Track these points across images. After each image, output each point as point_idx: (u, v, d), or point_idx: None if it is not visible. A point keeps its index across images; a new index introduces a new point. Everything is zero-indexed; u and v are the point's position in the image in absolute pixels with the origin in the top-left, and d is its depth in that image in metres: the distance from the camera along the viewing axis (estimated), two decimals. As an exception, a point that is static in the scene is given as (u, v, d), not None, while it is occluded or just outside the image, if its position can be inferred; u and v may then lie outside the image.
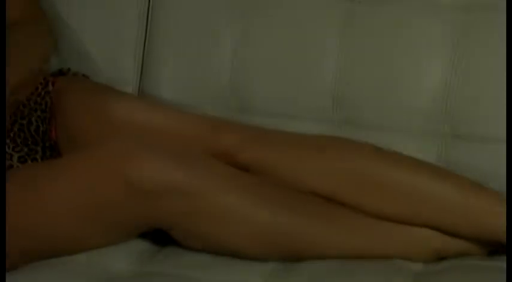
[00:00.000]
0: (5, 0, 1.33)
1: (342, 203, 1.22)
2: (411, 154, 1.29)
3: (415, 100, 1.37)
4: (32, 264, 1.15)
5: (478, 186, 1.23)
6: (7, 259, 1.16)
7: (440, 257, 1.22)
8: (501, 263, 1.15)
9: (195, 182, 1.11)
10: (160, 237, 1.21)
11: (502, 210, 1.17)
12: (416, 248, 1.21)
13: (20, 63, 1.36)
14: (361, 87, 1.39)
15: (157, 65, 1.48)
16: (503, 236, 1.15)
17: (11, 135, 1.31)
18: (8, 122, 1.32)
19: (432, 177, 1.21)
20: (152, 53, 1.49)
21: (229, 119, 1.41)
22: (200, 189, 1.11)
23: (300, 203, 1.17)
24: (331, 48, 1.40)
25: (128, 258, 1.18)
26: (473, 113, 1.36)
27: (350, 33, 1.40)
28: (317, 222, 1.16)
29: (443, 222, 1.18)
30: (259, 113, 1.43)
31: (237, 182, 1.16)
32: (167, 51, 1.48)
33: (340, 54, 1.40)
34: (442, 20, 1.38)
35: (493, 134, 1.34)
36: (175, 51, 1.48)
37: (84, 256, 1.16)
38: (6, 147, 1.29)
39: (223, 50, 1.45)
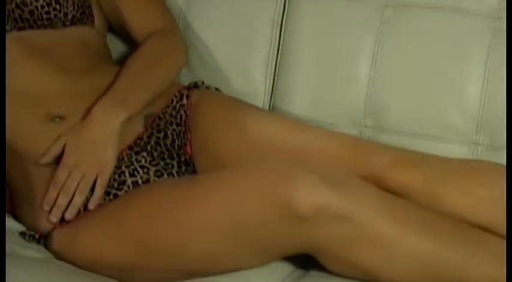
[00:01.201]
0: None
1: (493, 232, 1.16)
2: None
3: None
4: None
5: None
6: (146, 274, 1.14)
7: None
8: None
9: (349, 206, 1.06)
10: (302, 259, 1.17)
11: None
12: None
13: (158, 75, 1.34)
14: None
15: (290, 79, 1.44)
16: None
17: (148, 148, 1.29)
18: (144, 134, 1.31)
19: None
20: (285, 66, 1.44)
21: (364, 138, 1.36)
22: (355, 214, 1.06)
23: (459, 232, 1.11)
24: (475, 68, 1.35)
25: (272, 282, 1.14)
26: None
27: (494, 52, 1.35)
28: (475, 252, 1.10)
29: None
30: (396, 132, 1.37)
31: (392, 208, 1.09)
32: (300, 65, 1.43)
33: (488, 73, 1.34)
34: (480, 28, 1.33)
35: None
36: (309, 65, 1.43)
37: (228, 278, 1.13)
38: (143, 160, 1.27)
39: (359, 67, 1.39)
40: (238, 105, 1.36)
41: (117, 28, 1.50)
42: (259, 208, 1.07)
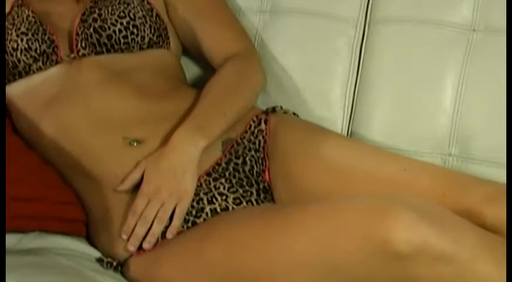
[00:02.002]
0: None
1: None
2: None
3: None
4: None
5: None
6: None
7: None
8: None
9: (449, 245, 1.00)
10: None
11: None
12: None
13: (237, 101, 1.32)
14: None
15: (369, 104, 1.40)
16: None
17: (226, 174, 1.26)
18: (222, 160, 1.28)
19: None
20: (364, 90, 1.40)
21: (448, 168, 1.31)
22: (455, 253, 1.00)
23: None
24: None
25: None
26: None
27: None
28: None
29: None
30: (484, 162, 1.31)
31: (492, 246, 1.03)
32: (380, 89, 1.39)
33: None
34: None
35: None
36: (390, 89, 1.39)
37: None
38: (222, 187, 1.24)
39: (443, 92, 1.35)
40: (318, 132, 1.32)
41: (192, 50, 1.48)
42: (354, 245, 1.02)
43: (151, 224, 1.18)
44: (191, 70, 1.52)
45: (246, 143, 1.30)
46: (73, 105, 1.29)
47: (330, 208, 1.07)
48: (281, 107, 1.38)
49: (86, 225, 1.26)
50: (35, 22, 1.36)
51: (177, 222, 1.18)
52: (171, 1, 1.43)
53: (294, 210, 1.11)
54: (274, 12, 1.46)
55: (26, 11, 1.38)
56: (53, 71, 1.35)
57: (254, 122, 1.33)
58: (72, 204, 1.23)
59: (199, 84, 1.51)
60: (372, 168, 1.22)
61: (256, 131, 1.32)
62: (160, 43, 1.39)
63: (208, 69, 1.47)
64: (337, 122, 1.42)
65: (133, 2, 1.38)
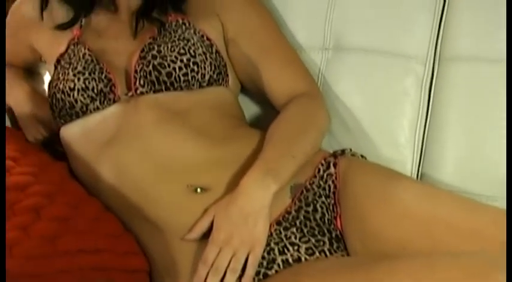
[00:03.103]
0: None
1: None
2: None
3: None
4: None
5: None
6: None
7: None
8: None
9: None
10: None
11: None
12: None
13: (305, 143, 1.25)
14: None
15: (440, 144, 1.34)
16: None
17: (297, 223, 1.19)
18: (292, 208, 1.21)
19: None
20: (434, 131, 1.34)
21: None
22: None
23: None
24: None
25: None
26: None
27: None
28: None
29: None
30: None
31: None
32: (451, 129, 1.33)
33: None
34: None
35: None
36: (461, 130, 1.32)
37: None
38: (293, 236, 1.17)
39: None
40: (391, 175, 1.25)
41: (251, 88, 1.42)
42: None
43: (224, 275, 1.12)
44: (248, 108, 1.46)
45: (316, 188, 1.24)
46: (132, 148, 1.24)
47: (420, 267, 0.99)
48: (350, 149, 1.32)
49: (150, 275, 1.20)
50: (92, 60, 1.31)
51: (251, 271, 1.12)
52: (232, 37, 1.38)
53: (383, 267, 1.03)
54: (337, 49, 1.41)
55: (82, 49, 1.33)
56: (111, 110, 1.29)
57: (322, 165, 1.26)
58: (136, 253, 1.17)
59: (257, 123, 1.47)
60: (454, 219, 1.15)
61: (325, 175, 1.25)
62: (220, 81, 1.34)
63: (266, 107, 1.42)
64: (407, 163, 1.36)
65: (193, 38, 1.32)
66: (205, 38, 1.34)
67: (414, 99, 1.35)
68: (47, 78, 1.60)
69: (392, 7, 1.37)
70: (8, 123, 1.50)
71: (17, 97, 1.48)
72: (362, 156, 1.33)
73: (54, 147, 1.42)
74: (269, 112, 1.39)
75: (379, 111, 1.37)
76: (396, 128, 1.36)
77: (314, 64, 1.42)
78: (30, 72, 1.58)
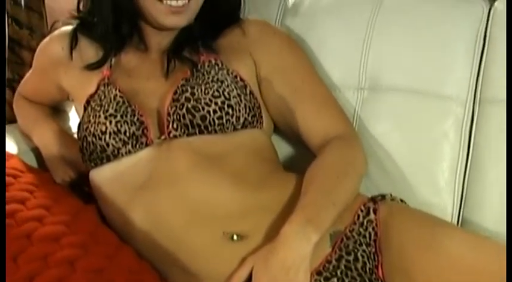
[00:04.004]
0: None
1: None
2: None
3: None
4: None
5: None
6: None
7: None
8: None
9: None
10: None
11: None
12: None
13: (345, 188, 1.21)
14: None
15: (481, 188, 1.30)
16: None
17: (338, 273, 1.15)
18: (332, 257, 1.18)
19: None
20: (475, 173, 1.31)
21: None
22: None
23: None
24: None
25: None
26: None
27: None
28: None
29: None
30: None
31: None
32: (493, 172, 1.29)
33: None
34: None
35: None
36: (503, 172, 1.28)
37: None
38: (335, 286, 1.14)
39: None
40: (435, 222, 1.20)
41: (285, 129, 1.38)
42: None
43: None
44: (280, 147, 1.42)
45: (356, 236, 1.20)
46: (165, 194, 1.20)
47: None
48: (391, 194, 1.28)
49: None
50: (123, 102, 1.28)
51: (291, 326, 1.08)
52: (265, 76, 1.35)
53: None
54: (374, 89, 1.37)
55: (113, 90, 1.30)
56: (143, 154, 1.26)
57: (362, 211, 1.22)
58: (172, 304, 1.13)
59: (289, 162, 1.43)
60: (497, 270, 1.10)
61: (365, 221, 1.21)
62: (255, 123, 1.30)
63: (299, 146, 1.38)
64: (447, 208, 1.32)
65: (226, 80, 1.29)
66: (238, 78, 1.31)
67: (454, 141, 1.32)
68: (72, 114, 1.57)
69: (430, 47, 1.34)
70: (34, 162, 1.47)
71: (44, 137, 1.45)
72: (402, 200, 1.29)
73: (82, 188, 1.39)
74: (302, 151, 1.36)
75: (417, 154, 1.33)
76: (436, 171, 1.32)
77: (349, 104, 1.39)
78: (56, 109, 1.56)
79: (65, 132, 1.46)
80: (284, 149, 1.44)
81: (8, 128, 1.60)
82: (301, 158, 1.37)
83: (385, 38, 1.38)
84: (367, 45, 1.38)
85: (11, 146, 1.47)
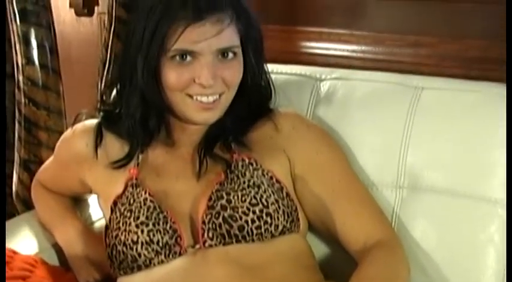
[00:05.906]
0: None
1: None
2: None
3: None
4: None
5: None
6: None
7: None
8: None
9: None
10: None
11: None
12: None
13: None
14: None
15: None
16: None
17: None
18: None
19: None
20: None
21: None
22: None
23: None
24: None
25: None
26: None
27: None
28: None
29: None
30: None
31: None
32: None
33: None
34: None
35: None
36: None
37: None
38: None
39: None
40: None
41: (321, 230, 1.32)
42: None
43: None
44: (315, 245, 1.36)
45: None
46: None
47: None
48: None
49: None
50: (154, 208, 1.22)
51: None
52: (299, 174, 1.29)
53: None
54: (413, 188, 1.32)
55: (143, 193, 1.24)
56: (176, 264, 1.20)
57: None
58: None
59: (325, 261, 1.37)
60: None
61: None
62: (292, 228, 1.24)
63: (334, 245, 1.33)
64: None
65: (263, 183, 1.23)
66: (274, 180, 1.25)
67: (500, 247, 1.26)
68: (92, 200, 1.51)
69: (471, 148, 1.29)
70: (56, 261, 1.41)
71: (68, 235, 1.39)
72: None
73: (107, 291, 1.33)
74: (337, 250, 1.31)
75: (460, 259, 1.27)
76: (480, 277, 1.27)
77: (387, 203, 1.33)
78: (76, 199, 1.49)
79: (89, 231, 1.40)
80: (319, 247, 1.38)
81: (26, 216, 1.54)
82: (336, 255, 1.33)
83: (425, 132, 1.33)
84: (405, 142, 1.33)
85: (31, 243, 1.41)
